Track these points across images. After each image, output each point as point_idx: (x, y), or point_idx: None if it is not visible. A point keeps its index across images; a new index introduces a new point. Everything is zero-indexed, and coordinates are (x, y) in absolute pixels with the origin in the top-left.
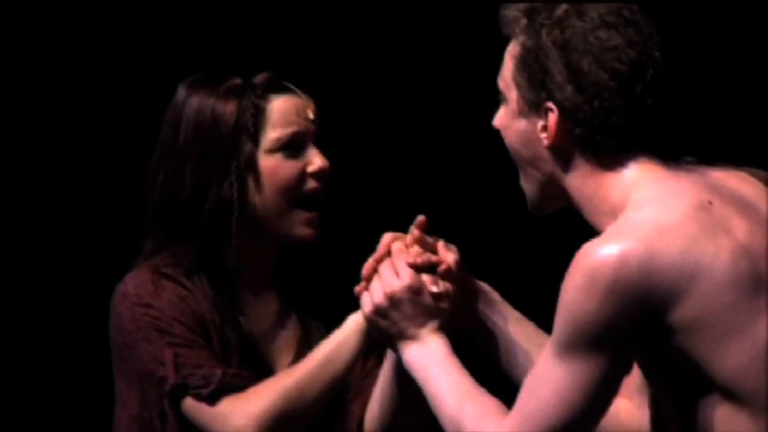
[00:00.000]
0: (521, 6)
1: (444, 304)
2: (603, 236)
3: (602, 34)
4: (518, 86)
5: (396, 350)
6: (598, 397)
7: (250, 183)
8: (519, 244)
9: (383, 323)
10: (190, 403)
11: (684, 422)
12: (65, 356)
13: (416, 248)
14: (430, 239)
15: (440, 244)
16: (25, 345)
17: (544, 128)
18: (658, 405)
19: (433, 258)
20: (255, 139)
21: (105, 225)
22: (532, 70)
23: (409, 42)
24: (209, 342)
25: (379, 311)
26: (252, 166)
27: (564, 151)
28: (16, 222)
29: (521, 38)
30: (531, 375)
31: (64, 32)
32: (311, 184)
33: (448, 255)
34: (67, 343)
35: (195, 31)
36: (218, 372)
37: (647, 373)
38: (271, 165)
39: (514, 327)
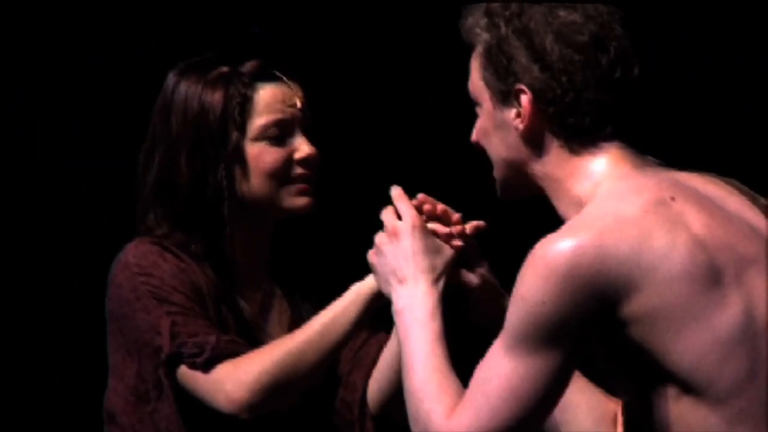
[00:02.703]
0: (478, 11)
1: (447, 248)
2: (560, 230)
3: (560, 12)
4: (487, 82)
5: (389, 295)
6: (548, 391)
7: (238, 171)
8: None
9: (380, 262)
10: (184, 372)
11: (648, 418)
12: (64, 357)
13: (422, 196)
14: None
15: (456, 217)
16: (25, 345)
17: (518, 114)
18: (632, 410)
19: (439, 207)
20: (241, 127)
21: (105, 225)
22: (497, 62)
23: (406, 26)
24: (207, 312)
25: (378, 249)
26: (239, 154)
27: (539, 139)
28: (16, 222)
29: (483, 36)
30: (480, 368)
31: (63, 32)
32: (298, 170)
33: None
34: (67, 343)
35: (196, 30)
36: (212, 339)
37: (611, 371)
38: (256, 152)
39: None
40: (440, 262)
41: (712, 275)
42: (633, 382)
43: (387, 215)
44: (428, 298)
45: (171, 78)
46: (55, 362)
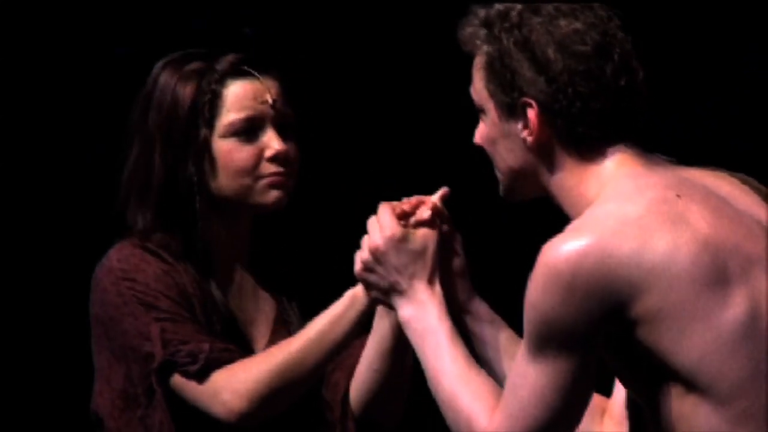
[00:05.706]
0: (477, 20)
1: (429, 239)
2: (563, 233)
3: (561, 22)
4: (492, 94)
5: (391, 308)
6: (575, 394)
7: (207, 167)
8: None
9: (373, 279)
10: (178, 380)
11: (653, 416)
12: (49, 359)
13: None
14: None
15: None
16: (21, 344)
17: (526, 126)
18: (637, 406)
19: (413, 200)
20: (210, 123)
21: (102, 224)
22: (501, 75)
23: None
24: (194, 315)
25: (366, 267)
26: (207, 150)
27: (548, 149)
28: (16, 221)
29: (484, 48)
30: (512, 374)
31: (63, 32)
32: (269, 168)
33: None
34: (61, 343)
35: (193, 30)
36: (205, 347)
37: (617, 372)
38: (225, 149)
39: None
40: (428, 258)
41: (716, 275)
42: (638, 380)
43: (372, 228)
44: (432, 302)
45: (154, 70)
46: (41, 365)
